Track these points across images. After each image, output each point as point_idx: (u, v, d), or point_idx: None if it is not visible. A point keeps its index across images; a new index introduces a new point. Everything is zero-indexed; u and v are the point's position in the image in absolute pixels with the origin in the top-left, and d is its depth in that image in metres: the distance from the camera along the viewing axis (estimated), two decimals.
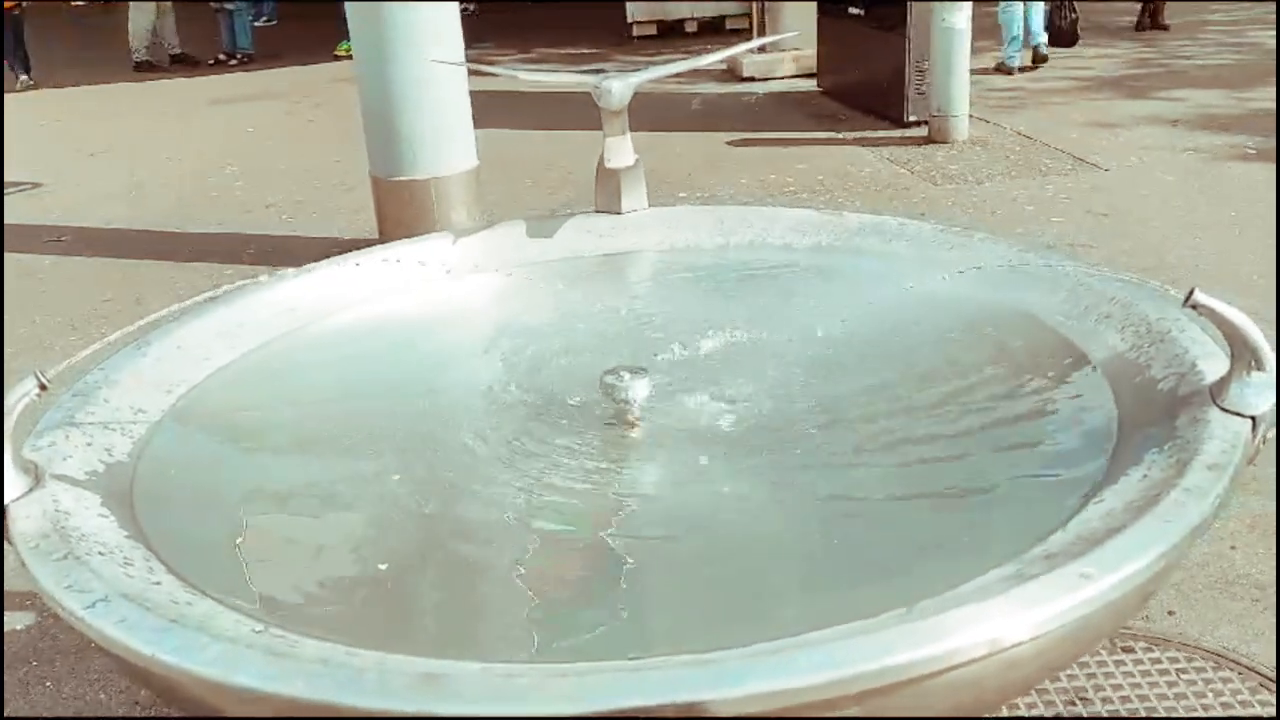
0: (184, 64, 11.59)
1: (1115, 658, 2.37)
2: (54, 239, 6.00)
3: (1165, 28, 10.18)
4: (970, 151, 6.64)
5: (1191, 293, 1.40)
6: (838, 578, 1.47)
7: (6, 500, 1.35)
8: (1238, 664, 2.35)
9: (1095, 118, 7.29)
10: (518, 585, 1.49)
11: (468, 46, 5.38)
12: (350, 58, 5.43)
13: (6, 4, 10.45)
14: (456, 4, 5.08)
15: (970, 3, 6.72)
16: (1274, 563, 2.67)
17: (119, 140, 8.47)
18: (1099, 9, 10.84)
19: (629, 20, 11.91)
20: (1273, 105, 7.00)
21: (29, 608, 2.75)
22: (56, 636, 2.65)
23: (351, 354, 2.02)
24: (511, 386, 1.95)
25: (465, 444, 1.81)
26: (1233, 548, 2.74)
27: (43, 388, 1.42)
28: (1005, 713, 2.23)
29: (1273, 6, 9.70)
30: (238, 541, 1.51)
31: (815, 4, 8.45)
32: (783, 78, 9.03)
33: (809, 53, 8.61)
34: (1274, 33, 9.07)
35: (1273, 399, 1.39)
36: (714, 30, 11.67)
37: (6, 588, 2.55)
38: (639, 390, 1.77)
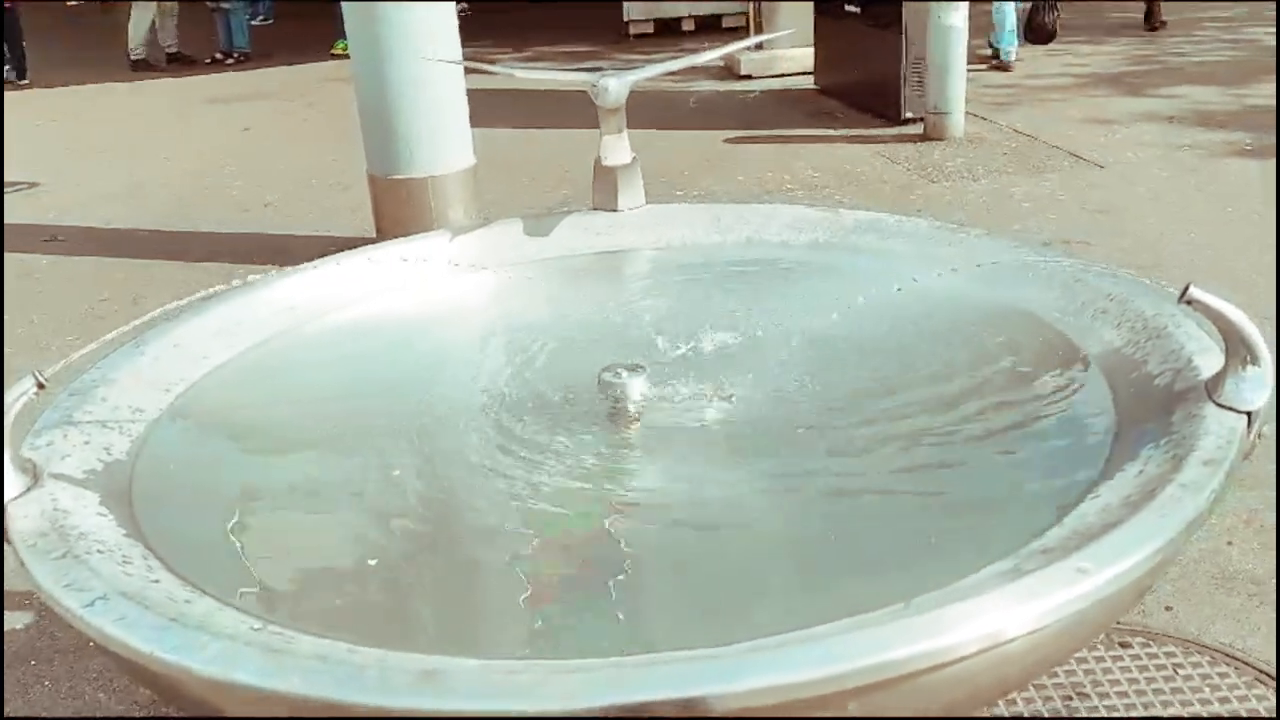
0: (180, 63, 11.57)
1: (1113, 653, 2.38)
2: (51, 239, 6.00)
3: (1161, 25, 10.16)
4: (967, 148, 6.64)
5: (1187, 289, 1.40)
6: (835, 574, 1.47)
7: (5, 499, 1.35)
8: (1235, 659, 2.36)
9: (1092, 114, 7.29)
10: (516, 582, 1.49)
11: (464, 45, 5.38)
12: (347, 56, 5.43)
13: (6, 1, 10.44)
14: (453, 2, 5.08)
15: (967, 1, 6.73)
16: (1270, 558, 2.68)
17: (116, 139, 8.46)
18: (1094, 7, 10.84)
19: (625, 19, 11.91)
20: (1268, 102, 7.00)
21: (28, 607, 2.75)
22: (55, 635, 2.65)
23: (349, 352, 2.02)
24: (509, 384, 1.96)
25: (463, 442, 1.81)
26: (1229, 543, 2.75)
27: (40, 386, 1.42)
28: (1003, 708, 2.23)
29: (1269, 4, 9.70)
30: (236, 540, 1.51)
31: (812, 2, 8.45)
32: (780, 75, 9.02)
33: (806, 50, 8.61)
34: (1269, 29, 9.07)
35: (1268, 394, 1.39)
36: (711, 29, 11.67)
37: (5, 587, 2.56)
38: (636, 388, 1.78)
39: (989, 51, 8.85)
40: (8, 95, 9.64)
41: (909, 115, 7.16)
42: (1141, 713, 2.21)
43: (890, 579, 1.38)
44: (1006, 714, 2.22)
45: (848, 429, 1.78)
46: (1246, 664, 2.34)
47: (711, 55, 2.66)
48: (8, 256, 5.55)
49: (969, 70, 7.02)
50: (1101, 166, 6.12)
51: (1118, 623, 2.36)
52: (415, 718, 1.03)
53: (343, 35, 6.04)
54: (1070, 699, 2.25)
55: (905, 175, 6.23)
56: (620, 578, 1.48)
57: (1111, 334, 1.71)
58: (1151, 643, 2.41)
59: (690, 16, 11.87)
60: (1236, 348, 1.41)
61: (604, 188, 2.29)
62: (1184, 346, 1.56)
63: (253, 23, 12.88)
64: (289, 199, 6.51)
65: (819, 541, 1.57)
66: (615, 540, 1.55)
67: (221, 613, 1.19)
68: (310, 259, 2.12)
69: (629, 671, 1.06)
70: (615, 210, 2.29)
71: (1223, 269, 4.45)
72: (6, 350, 4.36)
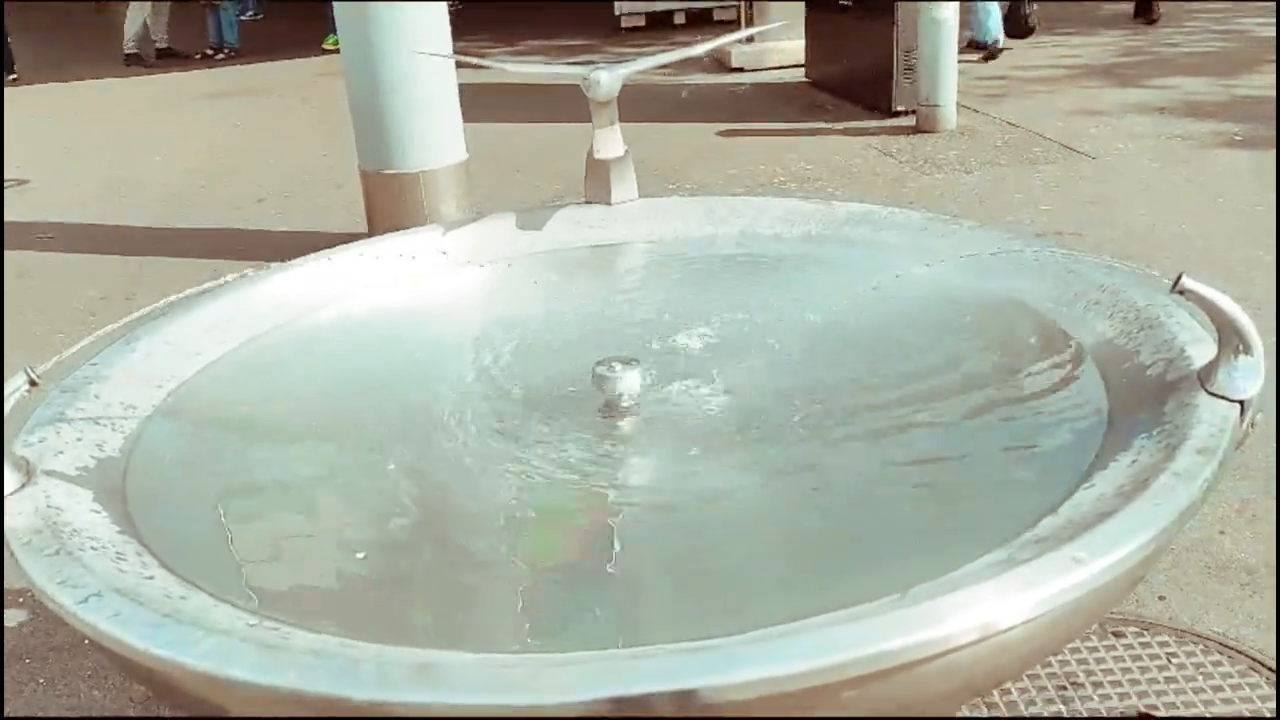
0: (171, 58, 11.54)
1: (1106, 643, 2.38)
2: (43, 236, 5.98)
3: (1158, 17, 10.16)
4: (958, 140, 6.65)
5: (1180, 278, 1.41)
6: (830, 565, 1.48)
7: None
8: (1228, 648, 2.36)
9: (1082, 106, 7.30)
10: (510, 576, 1.49)
11: (456, 40, 5.37)
12: (337, 51, 5.41)
13: None
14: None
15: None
16: (1263, 547, 2.69)
17: (107, 136, 8.43)
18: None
19: (617, 13, 11.91)
20: (1259, 93, 7.02)
21: (21, 604, 2.74)
22: (49, 633, 2.64)
23: (341, 348, 2.02)
24: (502, 378, 1.96)
25: (456, 436, 1.81)
26: (1222, 532, 2.76)
27: (33, 384, 1.42)
28: (997, 697, 2.24)
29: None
30: (230, 535, 1.51)
31: None
32: (771, 68, 9.02)
33: (797, 43, 8.61)
34: (1260, 20, 9.09)
35: (1260, 383, 1.40)
36: (702, 22, 11.67)
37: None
38: (630, 381, 1.78)
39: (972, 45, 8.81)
40: None
41: (900, 108, 7.17)
42: (1135, 702, 2.22)
43: (885, 570, 1.38)
44: (1001, 703, 2.23)
45: (842, 419, 1.78)
46: (1240, 653, 2.35)
47: (703, 48, 2.66)
48: None
49: (960, 62, 7.02)
50: (1093, 158, 6.12)
51: (1111, 612, 2.36)
52: (411, 713, 1.03)
53: (333, 30, 6.02)
54: (1064, 688, 2.26)
55: (897, 168, 6.23)
56: (614, 570, 1.48)
57: (1104, 324, 1.71)
58: (1145, 632, 2.41)
59: (682, 10, 11.87)
60: (1229, 337, 1.41)
61: (597, 181, 2.29)
62: (1176, 336, 1.57)
63: (242, 18, 12.85)
64: (281, 195, 6.50)
65: (814, 532, 1.57)
66: (609, 533, 1.55)
67: (216, 608, 1.19)
68: (303, 254, 2.11)
69: (624, 664, 1.06)
70: (608, 204, 2.29)
71: (1214, 259, 4.46)
72: None
